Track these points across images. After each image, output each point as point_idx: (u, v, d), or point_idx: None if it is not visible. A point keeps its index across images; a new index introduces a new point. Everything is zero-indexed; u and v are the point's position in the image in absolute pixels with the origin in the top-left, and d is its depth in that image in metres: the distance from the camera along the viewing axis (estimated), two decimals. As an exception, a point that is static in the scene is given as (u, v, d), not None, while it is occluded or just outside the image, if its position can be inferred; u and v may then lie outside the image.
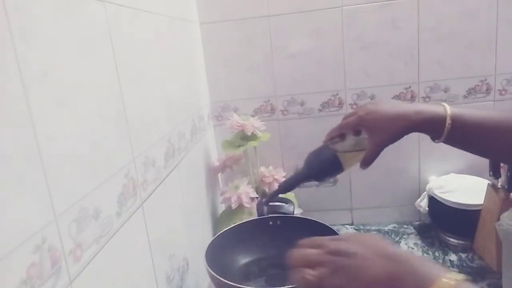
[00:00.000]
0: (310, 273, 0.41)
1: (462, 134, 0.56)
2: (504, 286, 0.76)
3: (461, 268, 0.93)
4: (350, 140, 0.64)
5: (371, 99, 1.09)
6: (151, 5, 0.72)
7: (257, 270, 0.81)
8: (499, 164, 0.90)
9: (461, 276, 0.35)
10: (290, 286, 0.63)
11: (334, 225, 0.80)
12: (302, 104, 1.12)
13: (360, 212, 1.17)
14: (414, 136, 0.58)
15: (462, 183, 1.05)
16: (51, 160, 0.39)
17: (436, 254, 1.00)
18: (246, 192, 0.99)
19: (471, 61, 1.05)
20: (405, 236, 1.08)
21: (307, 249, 0.43)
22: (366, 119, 0.60)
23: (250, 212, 0.99)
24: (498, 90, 1.06)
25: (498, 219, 0.73)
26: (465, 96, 1.07)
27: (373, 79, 1.08)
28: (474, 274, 0.88)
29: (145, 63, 0.67)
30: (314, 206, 1.16)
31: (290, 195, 1.08)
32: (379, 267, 0.38)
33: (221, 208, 1.12)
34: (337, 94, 1.10)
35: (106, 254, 0.49)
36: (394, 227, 1.14)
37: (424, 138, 0.58)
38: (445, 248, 1.02)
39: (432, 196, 1.04)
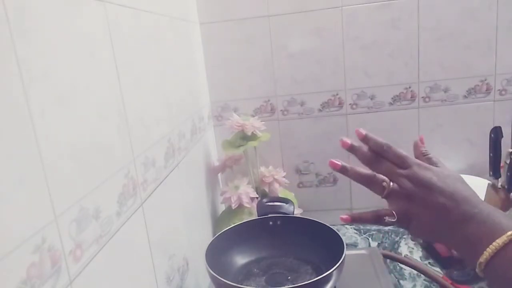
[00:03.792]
0: (387, 183, 0.46)
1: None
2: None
3: (461, 268, 0.93)
4: None
5: (371, 99, 1.09)
6: (151, 5, 0.72)
7: (257, 270, 0.81)
8: (499, 164, 0.90)
9: None
10: (290, 286, 0.63)
11: (334, 225, 0.80)
12: (302, 104, 1.12)
13: (361, 211, 1.17)
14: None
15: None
16: (51, 160, 0.39)
17: (436, 254, 0.99)
18: (246, 192, 0.99)
19: (471, 61, 1.05)
20: (405, 236, 1.08)
21: (391, 164, 0.47)
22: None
23: (250, 212, 0.99)
24: (498, 90, 1.06)
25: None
26: (465, 96, 1.07)
27: (373, 79, 1.08)
28: (474, 274, 0.88)
29: (145, 63, 0.67)
30: (314, 206, 1.16)
31: (290, 195, 1.08)
32: (455, 208, 0.42)
33: (221, 208, 1.12)
34: (337, 94, 1.10)
35: (106, 254, 0.49)
36: (394, 227, 1.13)
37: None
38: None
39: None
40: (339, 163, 0.49)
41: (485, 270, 0.41)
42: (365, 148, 0.49)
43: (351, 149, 0.49)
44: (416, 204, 0.44)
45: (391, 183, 0.47)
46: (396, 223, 0.46)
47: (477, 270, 0.42)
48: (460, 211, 0.42)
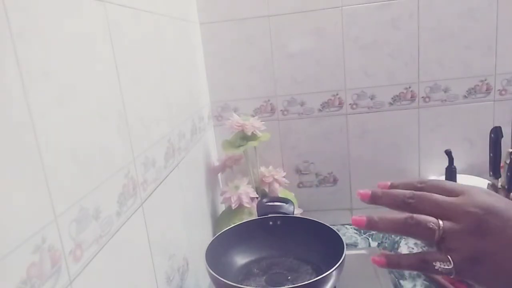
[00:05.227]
0: (434, 222, 0.34)
1: None
2: (504, 286, 0.76)
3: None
4: None
5: (371, 99, 1.09)
6: (151, 5, 0.72)
7: (257, 270, 0.81)
8: (499, 164, 0.90)
9: None
10: (291, 286, 0.63)
11: (334, 225, 0.80)
12: (302, 104, 1.12)
13: (360, 212, 1.15)
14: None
15: (462, 183, 1.05)
16: (51, 160, 0.39)
17: (436, 254, 0.99)
18: (246, 192, 0.99)
19: (471, 61, 1.05)
20: (405, 236, 1.08)
21: (432, 193, 0.36)
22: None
23: (250, 212, 0.99)
24: (498, 90, 1.06)
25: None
26: (465, 96, 1.07)
27: (373, 79, 1.08)
28: None
29: (145, 63, 0.67)
30: (314, 206, 1.16)
31: (290, 195, 1.08)
32: None
33: (221, 208, 1.12)
34: (337, 94, 1.10)
35: (106, 254, 0.49)
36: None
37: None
38: (445, 248, 1.01)
39: (432, 196, 1.03)
40: (363, 219, 0.38)
41: None
42: (391, 192, 0.39)
43: (373, 198, 0.40)
44: (493, 239, 0.32)
45: (440, 221, 0.35)
46: (455, 270, 0.34)
47: None
48: None
